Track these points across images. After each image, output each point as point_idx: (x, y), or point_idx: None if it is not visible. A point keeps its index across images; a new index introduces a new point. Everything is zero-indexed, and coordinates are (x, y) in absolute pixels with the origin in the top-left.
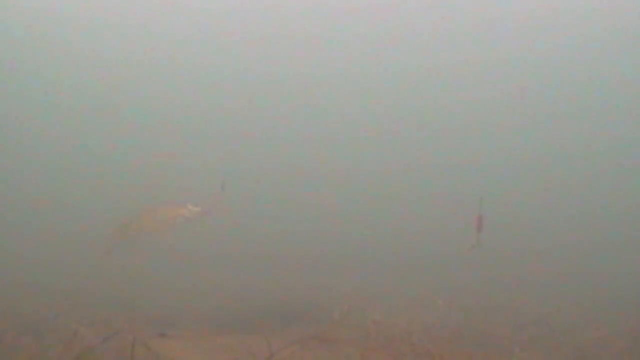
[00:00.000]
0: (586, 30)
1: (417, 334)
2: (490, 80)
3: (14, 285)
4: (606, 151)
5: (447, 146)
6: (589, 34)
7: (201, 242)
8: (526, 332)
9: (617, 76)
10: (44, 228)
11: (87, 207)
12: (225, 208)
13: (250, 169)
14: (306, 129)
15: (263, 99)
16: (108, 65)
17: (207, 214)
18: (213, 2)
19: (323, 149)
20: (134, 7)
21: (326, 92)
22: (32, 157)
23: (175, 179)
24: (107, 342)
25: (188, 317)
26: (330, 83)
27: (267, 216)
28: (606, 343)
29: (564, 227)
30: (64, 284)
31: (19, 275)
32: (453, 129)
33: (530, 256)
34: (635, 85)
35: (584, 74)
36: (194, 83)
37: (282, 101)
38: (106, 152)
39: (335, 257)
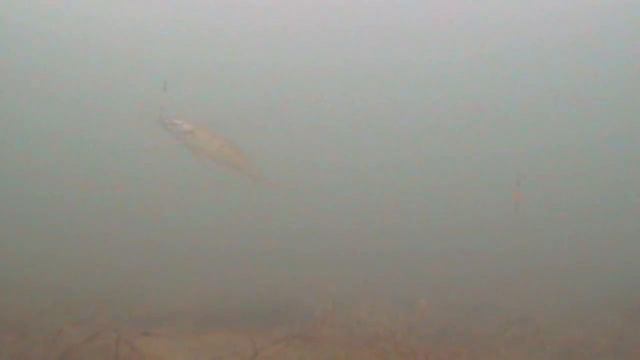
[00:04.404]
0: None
1: (401, 333)
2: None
3: None
4: (592, 149)
5: (436, 142)
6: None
7: (184, 239)
8: (511, 331)
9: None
10: (27, 223)
11: (73, 203)
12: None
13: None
14: (294, 124)
15: (254, 92)
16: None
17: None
18: None
19: (310, 143)
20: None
21: (311, 86)
22: (17, 151)
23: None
24: (92, 341)
25: (172, 315)
26: (319, 77)
27: (251, 212)
28: (591, 342)
29: (550, 225)
30: (49, 281)
31: (1, 272)
32: (444, 126)
33: (515, 254)
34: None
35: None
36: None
37: (269, 95)
38: (90, 149)
39: (319, 255)
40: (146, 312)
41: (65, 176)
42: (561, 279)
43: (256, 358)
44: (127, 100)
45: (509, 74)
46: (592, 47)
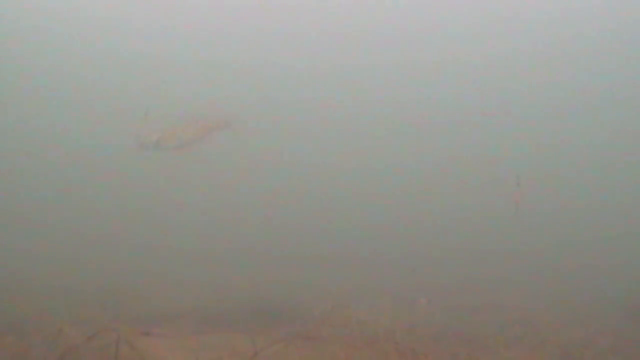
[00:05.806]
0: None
1: (401, 333)
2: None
3: None
4: (596, 147)
5: (436, 142)
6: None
7: (184, 239)
8: (511, 331)
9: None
10: (27, 223)
11: (73, 202)
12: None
13: (238, 161)
14: (295, 124)
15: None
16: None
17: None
18: None
19: (308, 142)
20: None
21: (312, 86)
22: (17, 151)
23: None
24: (92, 341)
25: (172, 315)
26: (321, 77)
27: (251, 211)
28: (590, 342)
29: (550, 225)
30: (49, 281)
31: (1, 272)
32: (443, 126)
33: (515, 254)
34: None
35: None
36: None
37: (272, 94)
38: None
39: (319, 255)
40: (146, 312)
41: (64, 176)
42: (561, 279)
43: (256, 358)
44: (126, 100)
45: (509, 74)
46: (592, 47)
